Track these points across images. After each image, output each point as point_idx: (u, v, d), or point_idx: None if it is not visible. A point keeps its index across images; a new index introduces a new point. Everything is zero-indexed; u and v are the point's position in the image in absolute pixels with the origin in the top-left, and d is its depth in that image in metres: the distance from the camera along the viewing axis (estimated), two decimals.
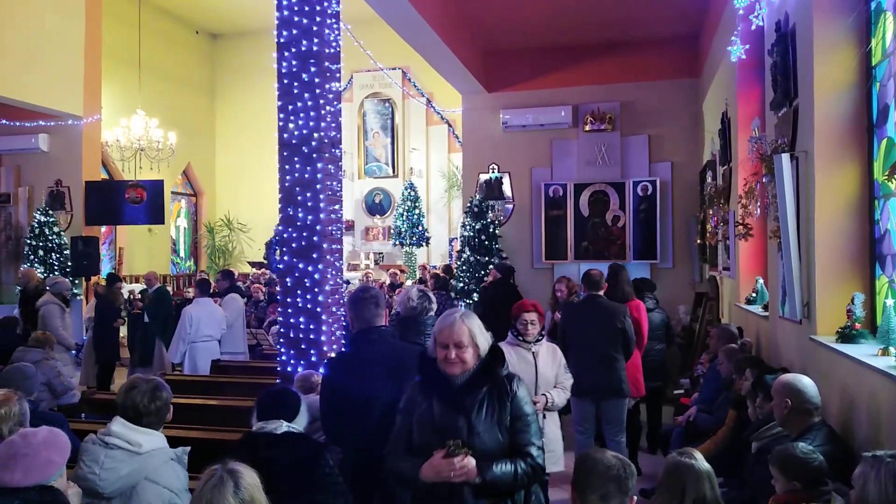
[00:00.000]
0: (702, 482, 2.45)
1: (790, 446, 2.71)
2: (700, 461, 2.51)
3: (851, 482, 2.23)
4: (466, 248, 9.57)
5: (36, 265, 10.32)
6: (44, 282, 8.93)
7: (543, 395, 4.11)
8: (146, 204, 11.57)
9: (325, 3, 5.35)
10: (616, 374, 5.12)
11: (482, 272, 9.27)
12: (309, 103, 5.29)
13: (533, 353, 4.20)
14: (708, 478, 2.47)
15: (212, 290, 8.44)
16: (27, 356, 5.62)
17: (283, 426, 2.89)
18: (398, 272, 11.86)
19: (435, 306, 3.83)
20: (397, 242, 15.47)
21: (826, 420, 3.28)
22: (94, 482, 2.54)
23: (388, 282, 11.60)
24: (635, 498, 2.13)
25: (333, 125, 5.42)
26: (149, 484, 2.57)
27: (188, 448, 2.80)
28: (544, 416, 4.08)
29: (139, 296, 9.14)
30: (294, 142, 5.32)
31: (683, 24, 9.05)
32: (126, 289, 11.63)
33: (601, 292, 5.36)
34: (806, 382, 3.18)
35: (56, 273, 10.39)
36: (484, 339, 2.52)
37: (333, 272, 5.40)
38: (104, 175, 13.34)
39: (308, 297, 5.23)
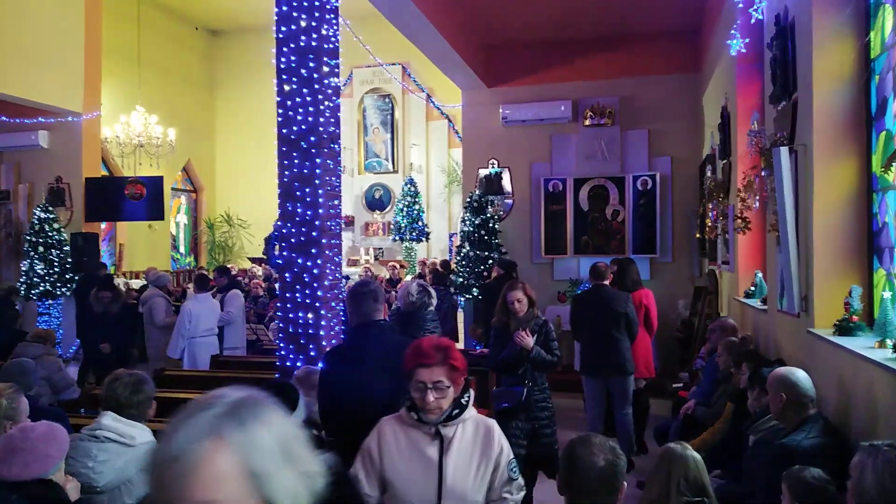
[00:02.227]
0: (687, 464, 2.47)
1: (806, 470, 2.59)
2: (687, 448, 2.53)
3: (849, 471, 2.24)
4: (466, 244, 9.58)
5: (36, 262, 10.34)
6: None
7: None
8: (146, 200, 11.58)
9: None
10: (620, 354, 5.67)
11: (482, 267, 9.27)
12: (308, 99, 5.29)
13: (441, 439, 2.29)
14: (694, 461, 2.49)
15: (211, 287, 8.46)
16: (28, 351, 5.64)
17: None
18: (397, 266, 11.85)
19: (435, 301, 3.83)
20: (397, 238, 15.47)
21: (823, 412, 3.29)
22: (87, 476, 2.55)
23: (387, 277, 11.60)
24: (625, 484, 2.09)
25: (332, 120, 5.43)
26: (143, 476, 2.59)
27: None
28: None
29: (136, 291, 9.17)
30: (293, 137, 5.32)
31: (683, 19, 9.03)
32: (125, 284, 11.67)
33: (607, 282, 5.90)
34: (800, 376, 3.19)
35: (56, 270, 10.41)
36: (287, 482, 0.94)
37: (332, 267, 5.40)
38: (104, 172, 13.34)
39: (307, 292, 5.24)
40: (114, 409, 2.70)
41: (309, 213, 5.27)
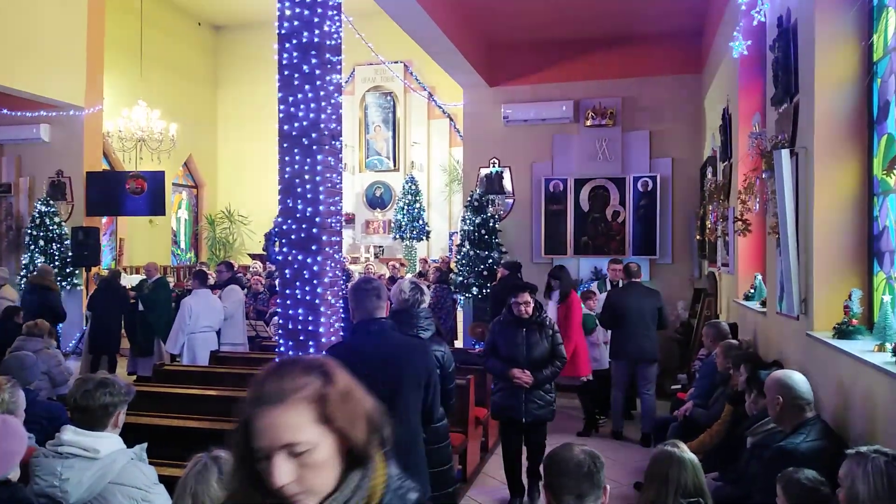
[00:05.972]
0: (685, 470, 2.46)
1: (800, 471, 2.59)
2: (684, 451, 2.52)
3: (838, 481, 2.23)
4: (466, 243, 9.58)
5: (36, 255, 10.34)
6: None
7: None
8: (147, 195, 11.58)
9: None
10: (651, 343, 6.53)
11: (481, 266, 9.27)
12: (309, 95, 5.27)
13: None
14: (692, 465, 2.49)
15: (212, 282, 8.45)
16: (28, 345, 5.64)
17: None
18: (398, 265, 11.86)
19: (428, 298, 3.83)
20: (397, 236, 15.48)
21: (822, 415, 3.29)
22: (55, 495, 2.48)
23: (388, 275, 11.60)
24: (608, 488, 2.11)
25: (334, 117, 5.41)
26: (115, 487, 2.52)
27: (145, 444, 2.75)
28: None
29: (134, 285, 9.18)
30: (294, 134, 5.31)
31: (686, 20, 9.02)
32: (125, 280, 11.66)
33: (639, 279, 6.77)
34: (797, 378, 3.19)
35: (56, 264, 10.41)
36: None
37: (332, 264, 5.40)
38: (105, 166, 13.34)
39: (307, 288, 5.24)
40: (75, 415, 2.61)
41: (309, 209, 5.26)
